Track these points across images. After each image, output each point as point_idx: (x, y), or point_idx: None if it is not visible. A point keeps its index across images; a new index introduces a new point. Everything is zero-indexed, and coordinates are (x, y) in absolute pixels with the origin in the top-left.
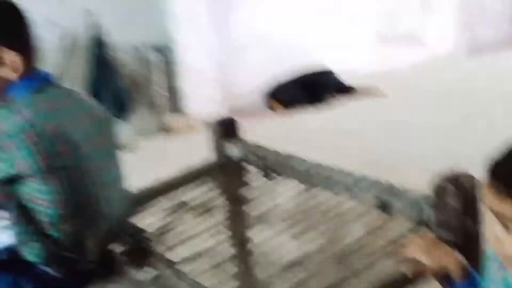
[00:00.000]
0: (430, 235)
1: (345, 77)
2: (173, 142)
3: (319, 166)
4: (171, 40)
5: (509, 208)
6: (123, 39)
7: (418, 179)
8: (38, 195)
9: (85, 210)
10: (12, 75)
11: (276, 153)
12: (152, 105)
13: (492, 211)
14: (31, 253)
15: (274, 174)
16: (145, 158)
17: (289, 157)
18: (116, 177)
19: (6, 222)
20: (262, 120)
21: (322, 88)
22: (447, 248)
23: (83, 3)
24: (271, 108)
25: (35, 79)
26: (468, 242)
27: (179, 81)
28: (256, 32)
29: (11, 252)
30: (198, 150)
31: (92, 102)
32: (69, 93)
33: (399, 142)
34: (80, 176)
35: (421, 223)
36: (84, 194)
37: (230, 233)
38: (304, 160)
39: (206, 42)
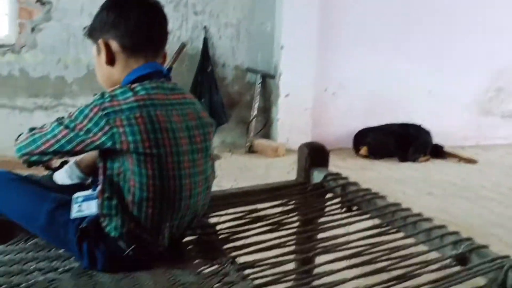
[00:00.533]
0: None
1: (437, 139)
2: (257, 161)
3: (404, 208)
4: (274, 68)
5: None
6: (229, 59)
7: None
8: (129, 174)
9: (169, 198)
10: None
11: (361, 188)
12: (243, 124)
13: None
14: (110, 226)
15: (354, 207)
16: (225, 168)
17: (374, 195)
18: (205, 175)
19: (94, 193)
20: (348, 160)
21: (413, 144)
22: None
23: (202, 20)
24: (357, 151)
25: (155, 69)
26: None
27: (274, 107)
28: (355, 74)
29: (92, 221)
30: (280, 173)
31: (200, 104)
32: (180, 89)
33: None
34: (172, 166)
35: (498, 283)
36: (172, 183)
37: (295, 249)
38: (387, 200)
39: (306, 76)
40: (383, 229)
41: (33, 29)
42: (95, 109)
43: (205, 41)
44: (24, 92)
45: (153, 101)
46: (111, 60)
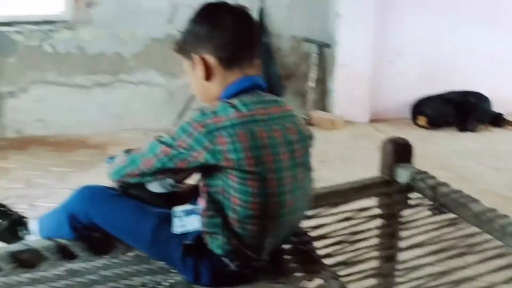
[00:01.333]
0: None
1: (497, 107)
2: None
3: (501, 215)
4: (330, 37)
5: None
6: (285, 29)
7: None
8: (231, 191)
9: (271, 215)
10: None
11: (448, 188)
12: (299, 96)
13: None
14: (214, 243)
15: (443, 209)
16: None
17: (462, 195)
18: (305, 190)
19: (197, 209)
20: (406, 131)
21: (473, 112)
22: None
23: None
24: (415, 121)
25: (253, 83)
26: None
27: (331, 78)
28: (413, 40)
29: (197, 238)
30: (340, 149)
31: (297, 115)
32: (279, 101)
33: None
34: (274, 183)
35: None
36: (273, 200)
37: (379, 248)
38: (482, 204)
39: (364, 44)
40: (480, 238)
41: (88, 5)
42: (197, 126)
43: (261, 11)
44: (81, 69)
45: (254, 117)
46: (208, 75)
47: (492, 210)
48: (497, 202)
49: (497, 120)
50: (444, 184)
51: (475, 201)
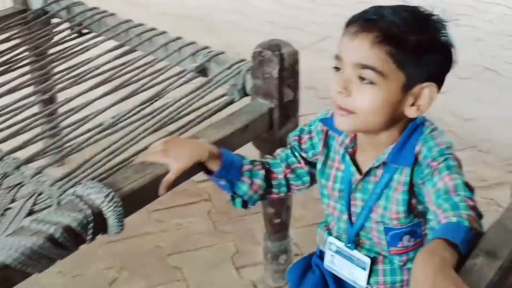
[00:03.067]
0: (175, 138)
1: None
2: None
3: (136, 24)
4: None
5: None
6: None
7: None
8: None
9: None
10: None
11: (91, 9)
12: None
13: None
14: None
15: (85, 30)
16: None
17: (105, 13)
18: None
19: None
20: None
21: None
22: (189, 142)
23: None
24: None
25: None
26: (284, 108)
27: None
28: None
29: None
30: None
31: None
32: None
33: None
34: None
35: (239, 88)
36: None
37: (34, 90)
38: (118, 18)
39: None
40: (122, 50)
41: None
42: None
43: None
44: None
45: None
46: None
47: (129, 21)
48: (166, 21)
49: None
50: (79, 3)
51: (112, 15)
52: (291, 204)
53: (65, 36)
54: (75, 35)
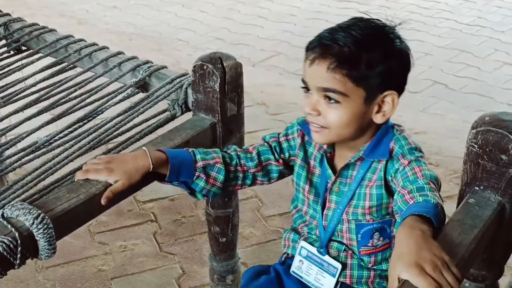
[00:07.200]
0: (115, 154)
1: None
2: None
3: (70, 38)
4: None
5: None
6: None
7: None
8: None
9: None
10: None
11: (26, 24)
12: None
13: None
14: None
15: (23, 48)
16: None
17: (42, 29)
18: None
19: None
20: None
21: None
22: (130, 155)
23: None
24: None
25: None
26: (227, 123)
27: None
28: None
29: None
30: None
31: None
32: None
33: (168, 15)
34: None
35: (179, 103)
36: None
37: None
38: (58, 34)
39: None
40: (60, 67)
41: None
42: None
43: None
44: None
45: None
46: None
47: (68, 37)
48: (113, 38)
49: None
50: (18, 20)
51: (52, 31)
52: (238, 222)
53: (2, 53)
54: (12, 52)
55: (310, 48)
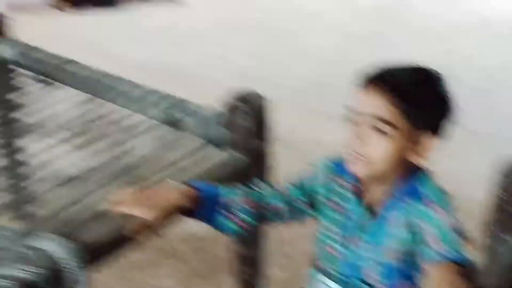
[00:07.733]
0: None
1: None
2: None
3: (103, 74)
4: None
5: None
6: None
7: (214, 94)
8: None
9: None
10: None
11: (55, 57)
12: None
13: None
14: None
15: (51, 80)
16: None
17: (69, 62)
18: None
19: None
20: (43, 17)
21: None
22: (161, 191)
23: None
24: (57, 6)
25: None
26: (256, 160)
27: None
28: None
29: None
30: None
31: None
32: None
33: (197, 53)
34: None
35: (211, 141)
36: None
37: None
38: (87, 67)
39: None
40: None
41: None
42: None
43: None
44: None
45: None
46: None
47: (99, 73)
48: (139, 74)
49: None
50: (37, 50)
51: (71, 62)
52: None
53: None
54: (41, 84)
55: (368, 79)
